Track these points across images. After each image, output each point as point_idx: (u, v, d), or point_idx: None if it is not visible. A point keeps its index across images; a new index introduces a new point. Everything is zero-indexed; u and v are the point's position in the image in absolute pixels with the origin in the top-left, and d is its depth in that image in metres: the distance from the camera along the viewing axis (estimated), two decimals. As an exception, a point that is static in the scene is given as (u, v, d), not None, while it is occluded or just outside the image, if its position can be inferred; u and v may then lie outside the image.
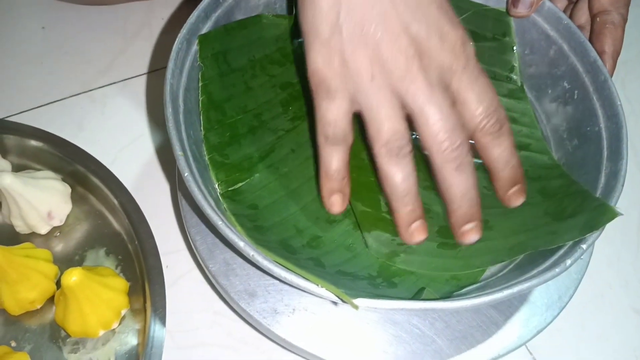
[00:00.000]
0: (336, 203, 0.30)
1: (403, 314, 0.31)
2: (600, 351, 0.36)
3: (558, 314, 0.32)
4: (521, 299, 0.32)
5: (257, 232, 0.30)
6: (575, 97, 0.35)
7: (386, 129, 0.27)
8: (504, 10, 0.38)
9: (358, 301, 0.24)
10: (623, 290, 0.39)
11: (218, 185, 0.31)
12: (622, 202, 0.41)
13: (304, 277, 0.25)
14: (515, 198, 0.29)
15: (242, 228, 0.29)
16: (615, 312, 0.38)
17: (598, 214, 0.28)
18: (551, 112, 0.37)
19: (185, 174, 0.27)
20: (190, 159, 0.29)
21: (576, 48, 0.35)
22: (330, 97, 0.28)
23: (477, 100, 0.27)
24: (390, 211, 0.29)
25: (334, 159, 0.29)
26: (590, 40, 0.35)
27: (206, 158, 0.32)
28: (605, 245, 0.39)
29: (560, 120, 0.36)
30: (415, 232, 0.28)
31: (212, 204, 0.27)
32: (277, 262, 0.26)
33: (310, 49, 0.28)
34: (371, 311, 0.31)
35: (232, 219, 0.29)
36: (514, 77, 0.38)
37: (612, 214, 0.28)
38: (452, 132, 0.27)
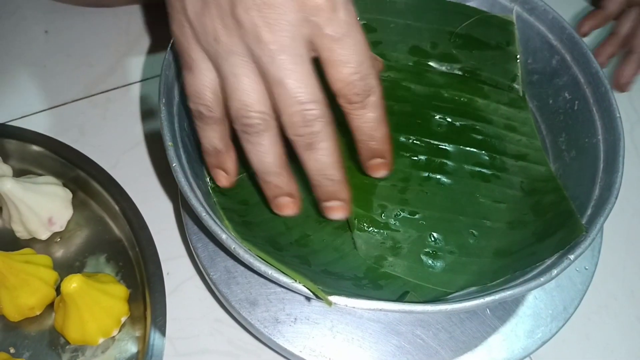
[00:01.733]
0: (219, 177, 0.29)
1: (406, 325, 0.30)
2: (605, 363, 0.36)
3: (563, 325, 0.31)
4: (526, 310, 0.32)
5: (245, 228, 0.30)
6: (576, 108, 0.35)
7: (235, 102, 0.25)
8: (509, 18, 0.38)
9: (333, 298, 0.24)
10: (628, 300, 0.38)
11: (210, 179, 0.31)
12: (627, 211, 0.41)
13: (281, 271, 0.25)
14: (374, 170, 0.28)
15: (229, 222, 0.29)
16: (621, 323, 0.37)
17: (570, 231, 0.28)
18: (551, 122, 0.37)
19: (174, 164, 0.27)
20: (181, 150, 0.29)
21: (579, 59, 0.35)
22: (188, 67, 0.26)
23: (341, 63, 0.24)
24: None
25: (204, 139, 0.28)
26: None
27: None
28: (610, 255, 0.39)
29: (560, 131, 0.36)
30: (281, 206, 0.28)
31: (199, 195, 0.27)
32: (258, 257, 0.25)
33: (170, 21, 0.26)
34: (374, 322, 0.31)
35: (221, 213, 0.29)
36: (516, 86, 0.38)
37: (579, 230, 0.28)
38: (305, 105, 0.24)
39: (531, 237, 0.31)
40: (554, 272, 0.26)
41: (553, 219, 0.31)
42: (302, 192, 0.32)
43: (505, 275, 0.29)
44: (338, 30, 0.23)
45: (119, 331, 0.33)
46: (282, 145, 0.26)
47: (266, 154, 0.26)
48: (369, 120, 0.26)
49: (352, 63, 0.24)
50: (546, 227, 0.31)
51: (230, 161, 0.29)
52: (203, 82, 0.26)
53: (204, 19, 0.24)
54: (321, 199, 0.27)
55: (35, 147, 0.37)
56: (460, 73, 0.38)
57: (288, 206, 0.28)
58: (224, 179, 0.29)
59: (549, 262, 0.28)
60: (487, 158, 0.35)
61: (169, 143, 0.28)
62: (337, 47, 0.24)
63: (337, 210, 0.27)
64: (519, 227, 0.32)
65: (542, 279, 0.26)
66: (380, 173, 0.28)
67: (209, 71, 0.26)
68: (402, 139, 0.35)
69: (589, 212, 0.30)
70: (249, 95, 0.24)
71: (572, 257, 0.27)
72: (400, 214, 0.32)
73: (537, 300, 0.32)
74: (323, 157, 0.25)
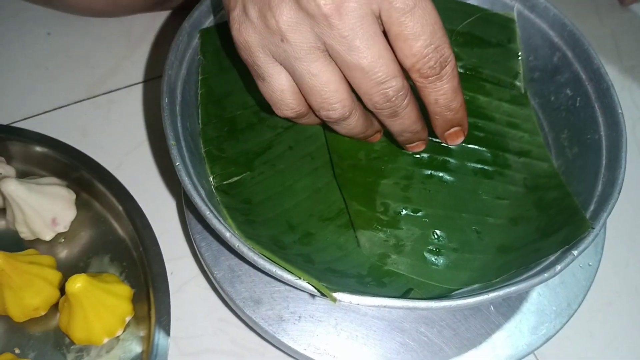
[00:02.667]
0: (374, 139, 0.31)
1: (410, 322, 0.30)
2: (609, 359, 0.36)
3: (567, 321, 0.31)
4: (530, 307, 0.32)
5: (249, 226, 0.30)
6: (578, 104, 0.35)
7: (314, 98, 0.25)
8: (510, 16, 0.38)
9: (338, 295, 0.24)
10: (631, 297, 0.38)
11: (213, 179, 0.31)
12: (629, 208, 0.41)
13: (285, 269, 0.25)
14: (453, 139, 0.28)
15: (233, 221, 0.29)
16: (624, 320, 0.37)
17: (575, 227, 0.28)
18: (553, 119, 0.37)
19: (177, 164, 0.27)
20: (184, 150, 0.29)
21: (580, 55, 0.35)
22: (259, 77, 0.26)
23: (413, 36, 0.23)
24: None
25: (307, 124, 0.29)
26: None
27: (202, 151, 0.32)
28: (613, 252, 0.39)
29: (562, 128, 0.36)
30: (412, 149, 0.30)
31: (203, 194, 0.27)
32: (262, 255, 0.26)
33: (232, 32, 0.26)
34: (378, 319, 0.31)
35: (224, 212, 0.29)
36: (518, 83, 0.38)
37: (585, 227, 0.28)
38: (384, 84, 0.24)
39: (534, 232, 0.31)
40: (558, 267, 0.26)
41: (557, 214, 0.31)
42: (306, 189, 0.33)
43: (509, 271, 0.29)
44: (407, 2, 0.23)
45: (124, 331, 0.33)
46: (366, 112, 0.27)
47: (354, 128, 0.27)
48: (445, 92, 0.25)
49: (425, 35, 0.23)
50: (550, 223, 0.31)
51: (370, 127, 0.29)
52: (279, 87, 0.26)
53: (267, 20, 0.23)
54: (405, 144, 0.30)
55: (38, 148, 0.37)
56: (461, 71, 0.38)
57: (416, 147, 0.30)
58: (378, 136, 0.31)
59: (552, 258, 0.28)
60: (489, 155, 0.35)
61: (172, 142, 0.28)
62: (407, 19, 0.23)
63: (419, 147, 0.30)
64: (521, 223, 0.32)
65: (545, 275, 0.26)
66: (459, 140, 0.28)
67: (281, 73, 0.25)
68: None
69: (592, 208, 0.30)
70: (327, 90, 0.24)
71: (575, 252, 0.27)
72: (403, 212, 0.32)
73: (541, 297, 0.32)
74: (406, 120, 0.26)
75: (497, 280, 0.28)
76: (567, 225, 0.29)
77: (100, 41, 0.46)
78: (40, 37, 0.46)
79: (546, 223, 0.31)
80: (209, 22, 0.34)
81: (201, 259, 0.32)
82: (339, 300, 0.24)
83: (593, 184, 0.31)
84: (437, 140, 0.35)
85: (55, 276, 0.33)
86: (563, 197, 0.32)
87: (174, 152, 0.28)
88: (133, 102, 0.44)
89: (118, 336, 0.33)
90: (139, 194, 0.36)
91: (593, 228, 0.27)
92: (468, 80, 0.38)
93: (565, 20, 0.36)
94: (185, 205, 0.34)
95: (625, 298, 0.38)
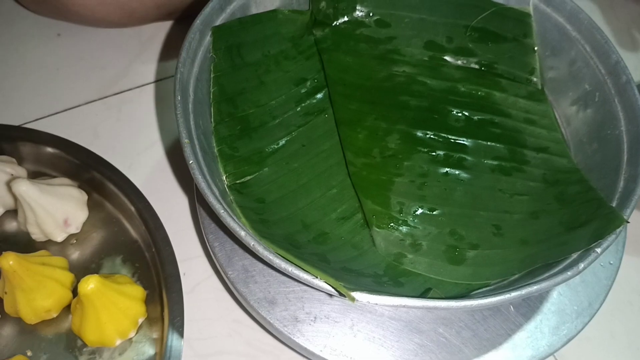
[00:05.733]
0: None
1: (428, 323, 0.30)
2: (632, 360, 0.35)
3: (589, 321, 0.31)
4: (550, 306, 0.31)
5: (263, 226, 0.29)
6: (596, 99, 0.34)
7: None
8: (525, 10, 0.37)
9: (356, 295, 0.24)
10: (653, 296, 0.37)
11: (226, 178, 0.31)
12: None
13: (302, 269, 0.25)
14: None
15: (247, 220, 0.29)
16: (646, 320, 0.36)
17: (607, 221, 0.28)
18: (571, 115, 0.36)
19: (190, 162, 0.27)
20: (197, 148, 0.29)
21: (598, 49, 0.34)
22: None
23: None
24: None
25: None
26: None
27: (215, 150, 0.31)
28: (634, 251, 0.38)
29: (581, 124, 0.35)
30: None
31: (217, 193, 0.27)
32: (277, 254, 0.25)
33: None
34: (395, 320, 0.30)
35: (238, 211, 0.29)
36: (535, 79, 0.38)
37: (619, 221, 0.27)
38: None
39: (558, 226, 0.30)
40: (581, 265, 0.25)
41: (580, 207, 0.30)
42: (320, 188, 0.32)
43: (533, 265, 0.28)
44: None
45: (136, 333, 0.32)
46: None
47: None
48: None
49: None
50: (574, 216, 0.30)
51: None
52: None
53: None
54: None
55: (49, 149, 0.37)
56: (476, 67, 0.38)
57: None
58: None
59: (574, 256, 0.27)
60: (506, 152, 0.34)
61: (185, 140, 0.28)
62: None
63: None
64: (543, 217, 0.31)
65: (569, 273, 0.25)
66: None
67: None
68: (419, 134, 0.34)
69: (614, 204, 0.29)
70: None
71: (598, 250, 0.26)
72: (419, 211, 0.32)
73: (561, 297, 0.31)
74: None
75: (520, 275, 0.28)
76: (595, 219, 0.29)
77: (111, 41, 0.46)
78: (51, 38, 0.46)
79: (570, 216, 0.30)
80: (220, 19, 0.33)
81: (214, 259, 0.32)
82: (358, 300, 0.24)
83: (614, 180, 0.30)
84: (453, 137, 0.34)
85: (67, 278, 0.33)
86: (585, 190, 0.31)
87: (188, 150, 0.27)
88: (144, 102, 0.43)
89: (131, 338, 0.32)
90: (151, 194, 0.35)
91: (628, 222, 0.27)
92: (483, 76, 0.37)
93: (583, 14, 0.35)
94: (198, 204, 0.34)
95: (646, 297, 0.37)
